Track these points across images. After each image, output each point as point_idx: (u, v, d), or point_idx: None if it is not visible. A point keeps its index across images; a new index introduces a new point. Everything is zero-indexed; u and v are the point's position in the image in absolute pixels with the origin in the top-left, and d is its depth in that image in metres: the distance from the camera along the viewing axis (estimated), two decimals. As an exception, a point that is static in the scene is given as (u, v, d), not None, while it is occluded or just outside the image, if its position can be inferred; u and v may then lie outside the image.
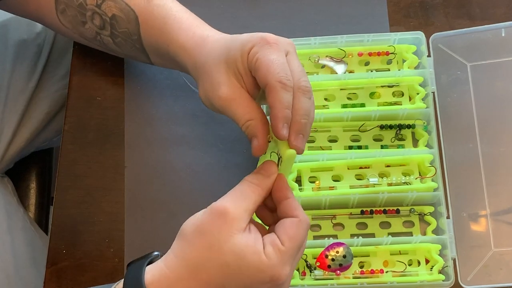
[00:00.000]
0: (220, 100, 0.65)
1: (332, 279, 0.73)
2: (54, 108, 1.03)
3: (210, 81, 0.66)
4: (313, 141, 0.79)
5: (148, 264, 0.61)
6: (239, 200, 0.61)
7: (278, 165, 0.63)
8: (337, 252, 0.72)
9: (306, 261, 0.74)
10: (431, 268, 0.73)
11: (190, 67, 0.71)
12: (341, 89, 0.80)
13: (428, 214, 0.77)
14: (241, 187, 0.62)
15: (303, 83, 0.63)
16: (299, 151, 0.62)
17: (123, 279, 0.61)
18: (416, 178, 0.77)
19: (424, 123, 0.79)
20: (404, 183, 0.76)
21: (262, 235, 0.61)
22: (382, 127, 0.79)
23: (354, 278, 0.73)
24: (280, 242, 0.60)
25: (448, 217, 0.75)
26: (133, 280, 0.60)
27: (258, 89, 0.65)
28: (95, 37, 0.78)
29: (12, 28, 0.99)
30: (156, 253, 0.63)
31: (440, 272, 0.73)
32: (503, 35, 0.80)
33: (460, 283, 0.73)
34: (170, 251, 0.62)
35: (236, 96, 0.65)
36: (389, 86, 0.81)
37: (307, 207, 0.77)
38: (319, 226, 0.77)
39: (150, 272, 0.60)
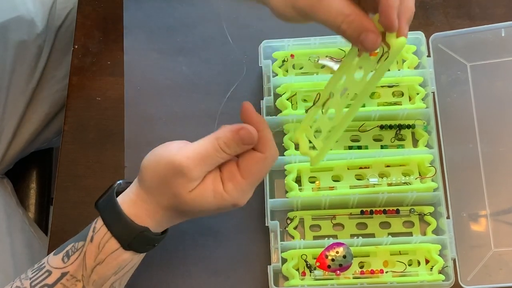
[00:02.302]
0: None
1: (332, 279, 0.73)
2: (54, 109, 1.03)
3: None
4: (313, 141, 0.80)
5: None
6: (202, 163, 0.61)
7: (378, 61, 0.59)
8: (337, 252, 0.72)
9: (306, 261, 0.74)
10: (431, 268, 0.73)
11: None
12: (341, 89, 0.81)
13: (428, 214, 0.76)
14: (210, 150, 0.62)
15: None
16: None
17: (98, 219, 0.64)
18: (416, 178, 0.76)
19: (424, 123, 0.79)
20: (404, 183, 0.76)
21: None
22: (382, 127, 0.79)
23: (354, 278, 0.73)
24: (241, 176, 0.62)
25: (448, 217, 0.75)
26: (111, 213, 0.64)
27: None
28: None
29: (12, 29, 0.99)
30: (118, 182, 0.67)
31: (440, 272, 0.73)
32: (503, 35, 0.80)
33: (460, 283, 0.73)
34: (139, 184, 0.65)
35: None
36: (389, 86, 0.81)
37: (307, 207, 0.77)
38: (319, 226, 0.77)
39: (125, 204, 0.64)
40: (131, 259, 0.65)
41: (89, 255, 0.63)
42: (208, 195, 0.63)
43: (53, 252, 0.66)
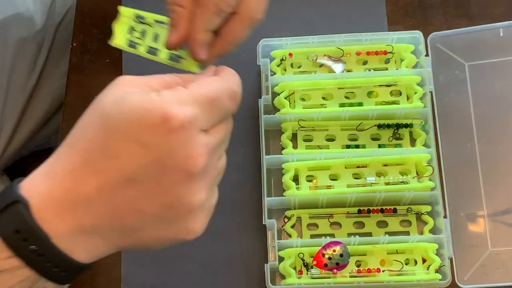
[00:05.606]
0: None
1: (329, 278, 0.73)
2: (53, 106, 1.03)
3: None
4: (310, 140, 0.80)
5: None
6: (145, 77, 0.49)
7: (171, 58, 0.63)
8: (334, 251, 0.72)
9: (303, 260, 0.74)
10: (428, 268, 0.73)
11: None
12: (339, 88, 0.80)
13: (425, 213, 0.77)
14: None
15: None
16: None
17: None
18: (413, 178, 0.76)
19: (421, 122, 0.79)
20: (401, 182, 0.76)
21: None
22: (379, 126, 0.79)
23: (351, 277, 0.73)
24: (183, 86, 0.48)
25: (445, 217, 0.75)
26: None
27: None
28: None
29: (12, 26, 0.99)
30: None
31: (437, 271, 0.73)
32: (501, 34, 0.80)
33: (457, 282, 0.73)
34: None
35: None
36: (387, 85, 0.81)
37: (304, 205, 0.77)
38: (316, 225, 0.77)
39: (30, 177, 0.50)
40: None
41: None
42: (130, 95, 0.46)
43: None
